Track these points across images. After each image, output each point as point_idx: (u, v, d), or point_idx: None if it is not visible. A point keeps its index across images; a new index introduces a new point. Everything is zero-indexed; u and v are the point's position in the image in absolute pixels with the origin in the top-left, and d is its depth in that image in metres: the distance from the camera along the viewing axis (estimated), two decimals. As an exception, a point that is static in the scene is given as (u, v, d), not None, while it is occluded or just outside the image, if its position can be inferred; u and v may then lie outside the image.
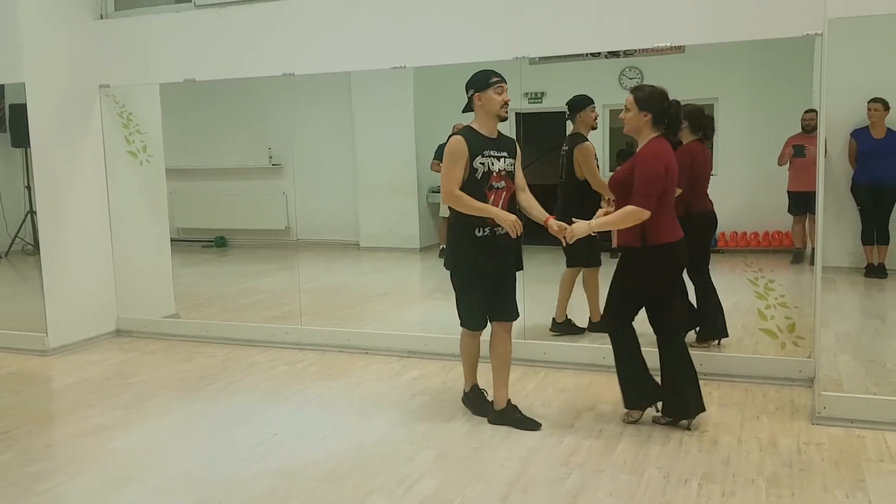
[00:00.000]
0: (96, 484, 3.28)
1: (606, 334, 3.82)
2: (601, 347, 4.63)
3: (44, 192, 5.39)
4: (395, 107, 8.62)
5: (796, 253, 7.00)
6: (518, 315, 3.91)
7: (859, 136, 6.60)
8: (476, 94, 3.68)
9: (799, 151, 6.61)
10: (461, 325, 3.88)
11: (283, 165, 9.89)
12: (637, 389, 3.69)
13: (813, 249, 4.03)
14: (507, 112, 3.71)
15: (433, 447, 3.52)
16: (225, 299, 7.15)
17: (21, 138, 6.20)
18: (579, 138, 5.10)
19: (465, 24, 4.71)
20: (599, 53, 5.48)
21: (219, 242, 10.27)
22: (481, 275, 3.74)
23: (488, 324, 3.86)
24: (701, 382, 4.18)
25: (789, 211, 6.93)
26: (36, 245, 6.50)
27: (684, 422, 3.65)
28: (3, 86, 6.17)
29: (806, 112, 6.63)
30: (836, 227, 6.46)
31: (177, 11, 5.57)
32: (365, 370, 4.79)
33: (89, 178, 5.70)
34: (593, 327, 5.17)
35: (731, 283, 7.06)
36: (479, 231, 3.66)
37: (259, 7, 5.24)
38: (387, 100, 8.59)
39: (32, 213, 7.78)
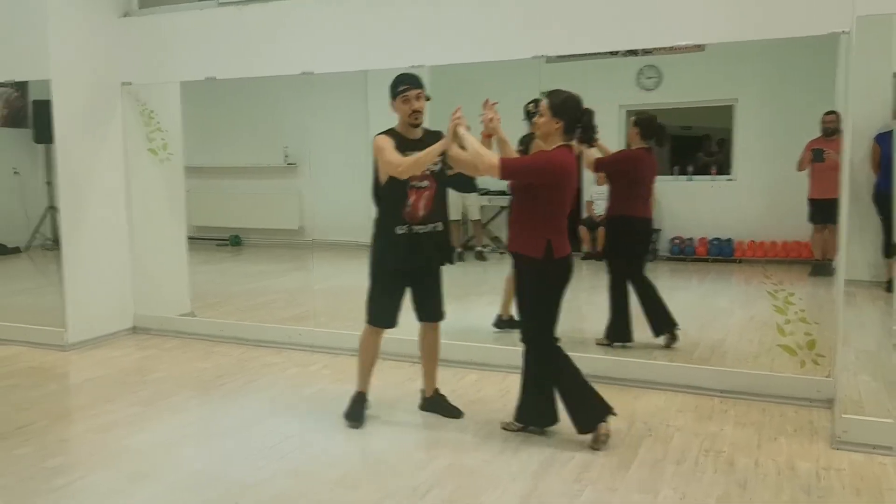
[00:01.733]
0: (111, 480, 3.30)
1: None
2: (617, 360, 4.61)
3: (66, 188, 5.43)
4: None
5: (815, 265, 6.83)
6: (444, 316, 3.87)
7: (883, 140, 6.42)
8: (391, 100, 3.68)
9: (818, 156, 6.42)
10: (367, 321, 3.80)
11: (299, 165, 9.91)
12: (590, 407, 3.59)
13: (830, 261, 3.92)
14: (416, 119, 3.65)
15: (444, 455, 3.51)
16: (239, 298, 7.18)
17: (44, 134, 6.25)
18: (529, 137, 5.15)
19: (483, 23, 4.67)
20: (617, 52, 5.41)
21: (234, 241, 10.32)
22: (398, 273, 3.71)
23: (396, 325, 3.83)
24: (717, 400, 4.17)
25: (810, 220, 6.76)
26: (55, 241, 6.56)
27: (534, 428, 3.64)
28: (26, 82, 6.22)
29: (826, 114, 6.40)
30: (857, 237, 6.33)
31: (200, 9, 5.59)
32: (377, 375, 4.73)
33: (110, 175, 5.74)
34: None
35: (748, 294, 6.97)
36: (399, 229, 3.63)
37: (279, 5, 5.24)
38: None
39: (53, 208, 7.85)
